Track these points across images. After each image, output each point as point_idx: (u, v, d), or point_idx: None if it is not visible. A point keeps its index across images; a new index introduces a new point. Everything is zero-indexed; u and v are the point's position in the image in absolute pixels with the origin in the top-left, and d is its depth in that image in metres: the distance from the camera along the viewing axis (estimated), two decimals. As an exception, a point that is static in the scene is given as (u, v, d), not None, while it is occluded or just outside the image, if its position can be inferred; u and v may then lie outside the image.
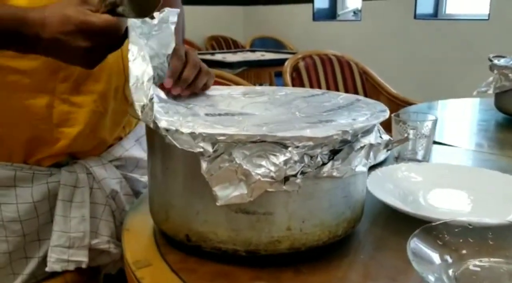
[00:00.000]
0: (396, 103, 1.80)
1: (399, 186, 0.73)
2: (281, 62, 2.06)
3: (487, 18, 3.15)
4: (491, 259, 0.54)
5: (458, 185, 0.74)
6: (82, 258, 0.74)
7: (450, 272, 0.52)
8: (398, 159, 0.88)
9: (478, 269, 0.53)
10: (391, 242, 0.60)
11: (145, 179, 0.82)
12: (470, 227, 0.55)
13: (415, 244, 0.52)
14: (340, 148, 0.50)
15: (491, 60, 1.32)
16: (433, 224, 0.55)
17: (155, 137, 0.56)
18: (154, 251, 0.58)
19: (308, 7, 4.54)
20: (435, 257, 0.53)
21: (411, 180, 0.75)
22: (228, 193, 0.48)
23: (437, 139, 1.01)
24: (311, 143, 0.48)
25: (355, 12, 4.35)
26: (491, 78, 1.29)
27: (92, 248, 0.76)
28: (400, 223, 0.61)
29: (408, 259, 0.48)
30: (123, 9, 0.56)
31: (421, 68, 3.56)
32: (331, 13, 4.57)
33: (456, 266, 0.52)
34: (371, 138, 0.54)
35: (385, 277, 0.53)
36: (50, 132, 0.71)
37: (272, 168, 0.47)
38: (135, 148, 0.82)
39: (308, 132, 0.49)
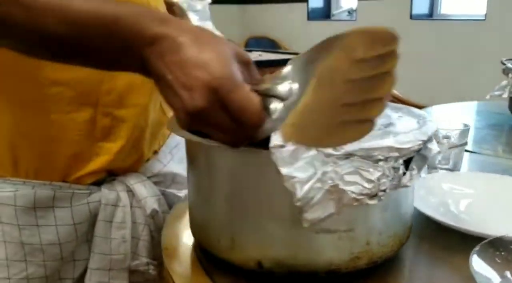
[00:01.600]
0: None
1: (436, 196, 0.73)
2: (280, 62, 2.05)
3: (483, 18, 3.18)
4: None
5: (494, 195, 0.75)
6: (122, 280, 0.74)
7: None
8: (428, 167, 0.88)
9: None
10: (442, 258, 0.60)
11: (182, 194, 0.81)
12: None
13: (476, 262, 0.52)
14: (411, 156, 0.49)
15: (504, 64, 1.33)
16: (489, 240, 0.55)
17: (215, 159, 0.54)
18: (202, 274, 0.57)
19: (302, 6, 4.54)
20: (496, 275, 0.53)
21: (447, 190, 0.76)
22: (317, 215, 0.44)
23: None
24: (397, 154, 0.46)
25: (350, 12, 4.37)
26: (504, 82, 1.30)
27: (132, 269, 0.75)
28: (444, 236, 0.62)
29: (467, 276, 0.49)
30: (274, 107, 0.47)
31: (417, 68, 3.58)
32: (325, 13, 4.58)
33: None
34: (434, 146, 0.53)
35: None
36: (91, 148, 0.70)
37: (367, 185, 0.45)
38: (172, 162, 0.82)
39: (393, 142, 0.47)
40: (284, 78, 0.48)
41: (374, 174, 0.45)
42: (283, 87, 0.47)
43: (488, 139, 1.20)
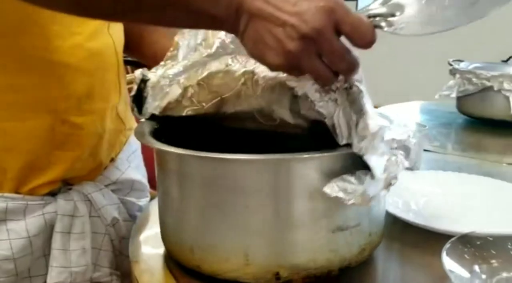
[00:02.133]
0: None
1: (400, 196, 0.74)
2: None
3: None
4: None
5: (454, 192, 0.76)
6: None
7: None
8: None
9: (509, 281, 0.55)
10: (413, 257, 0.61)
11: (142, 202, 0.79)
12: (491, 239, 0.58)
13: (447, 260, 0.53)
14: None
15: (451, 64, 1.37)
16: (457, 237, 0.56)
17: (186, 168, 0.53)
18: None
19: None
20: (465, 271, 0.54)
21: (409, 190, 0.77)
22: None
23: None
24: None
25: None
26: (451, 82, 1.35)
27: (94, 281, 0.72)
28: (412, 235, 0.63)
29: (437, 274, 0.51)
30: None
31: (365, 68, 3.65)
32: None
33: (488, 279, 0.54)
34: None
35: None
36: (47, 157, 0.66)
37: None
38: (129, 169, 0.79)
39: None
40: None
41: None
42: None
43: (439, 138, 1.23)
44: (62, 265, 0.69)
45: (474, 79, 1.25)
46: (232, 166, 0.50)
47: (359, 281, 0.55)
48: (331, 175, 0.48)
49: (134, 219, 0.78)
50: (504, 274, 0.55)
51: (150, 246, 0.63)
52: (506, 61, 1.35)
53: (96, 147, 0.70)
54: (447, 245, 0.54)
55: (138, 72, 0.60)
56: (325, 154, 0.50)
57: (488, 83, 1.23)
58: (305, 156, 0.49)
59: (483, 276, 0.53)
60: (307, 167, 0.49)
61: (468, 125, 1.33)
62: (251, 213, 0.50)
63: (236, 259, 0.51)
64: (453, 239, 0.56)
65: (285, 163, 0.49)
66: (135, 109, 0.61)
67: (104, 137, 0.71)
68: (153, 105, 0.60)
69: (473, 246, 0.56)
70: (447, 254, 0.53)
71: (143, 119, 0.61)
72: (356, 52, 0.48)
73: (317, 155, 0.49)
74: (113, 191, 0.75)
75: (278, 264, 0.50)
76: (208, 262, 0.52)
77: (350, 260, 0.53)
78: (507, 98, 1.21)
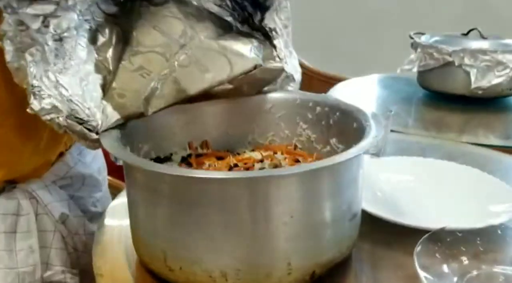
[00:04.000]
0: (318, 79, 1.80)
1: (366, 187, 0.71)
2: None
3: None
4: (486, 266, 0.55)
5: (423, 180, 0.74)
6: None
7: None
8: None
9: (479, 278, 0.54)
10: (384, 256, 0.59)
11: (95, 197, 0.74)
12: (460, 234, 0.56)
13: (420, 261, 0.51)
14: None
15: (412, 38, 1.35)
16: (428, 235, 0.54)
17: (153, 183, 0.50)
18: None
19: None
20: (438, 271, 0.53)
21: (375, 179, 0.74)
22: None
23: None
24: None
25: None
26: (412, 56, 1.33)
27: (45, 281, 0.67)
28: (382, 231, 0.61)
29: (409, 273, 0.50)
30: None
31: (325, 38, 3.61)
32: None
33: (459, 280, 0.53)
34: None
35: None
36: None
37: None
38: (80, 164, 0.73)
39: None
40: None
41: None
42: None
43: (400, 114, 1.22)
44: (8, 267, 0.64)
45: (436, 54, 1.23)
46: (204, 184, 0.47)
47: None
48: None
49: (87, 214, 0.73)
50: (475, 272, 0.54)
51: (115, 257, 0.57)
52: (466, 34, 1.33)
53: (37, 147, 0.65)
54: (418, 247, 0.52)
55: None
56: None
57: (449, 58, 1.21)
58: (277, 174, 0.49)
59: (455, 279, 0.52)
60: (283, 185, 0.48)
61: (428, 100, 1.33)
62: (179, 224, 0.48)
63: (171, 264, 0.50)
64: (423, 238, 0.54)
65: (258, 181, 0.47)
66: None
67: (45, 134, 0.65)
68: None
69: (443, 244, 0.55)
70: (418, 257, 0.51)
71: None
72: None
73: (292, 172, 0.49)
74: (61, 186, 0.70)
75: (315, 264, 0.50)
76: (152, 262, 0.52)
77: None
78: (468, 73, 1.20)
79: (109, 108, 0.54)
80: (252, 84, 0.64)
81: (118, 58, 0.58)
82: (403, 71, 1.33)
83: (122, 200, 0.65)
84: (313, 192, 0.49)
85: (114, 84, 0.57)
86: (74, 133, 0.52)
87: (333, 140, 0.66)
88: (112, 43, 0.58)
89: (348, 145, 0.57)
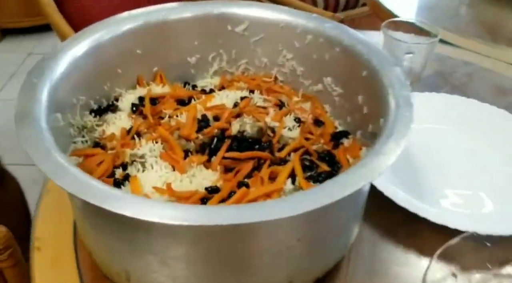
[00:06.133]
0: None
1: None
2: None
3: None
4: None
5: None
6: None
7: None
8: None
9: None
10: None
11: None
12: (489, 245, 0.40)
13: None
14: None
15: None
16: (447, 247, 0.38)
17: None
18: None
19: None
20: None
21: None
22: None
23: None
24: None
25: None
26: None
27: None
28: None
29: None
30: None
31: None
32: None
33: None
34: None
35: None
36: None
37: None
38: None
39: None
40: None
41: None
42: None
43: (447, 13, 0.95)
44: None
45: None
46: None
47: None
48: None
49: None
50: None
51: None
52: None
53: None
54: (432, 263, 0.37)
55: None
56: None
57: None
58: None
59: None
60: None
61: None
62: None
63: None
64: (438, 253, 0.38)
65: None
66: None
67: None
68: None
69: (464, 253, 0.39)
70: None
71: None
72: None
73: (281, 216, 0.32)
74: None
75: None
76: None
77: None
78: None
79: None
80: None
81: None
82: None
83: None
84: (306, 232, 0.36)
85: None
86: None
87: (327, 80, 0.51)
88: None
89: (349, 93, 0.47)
